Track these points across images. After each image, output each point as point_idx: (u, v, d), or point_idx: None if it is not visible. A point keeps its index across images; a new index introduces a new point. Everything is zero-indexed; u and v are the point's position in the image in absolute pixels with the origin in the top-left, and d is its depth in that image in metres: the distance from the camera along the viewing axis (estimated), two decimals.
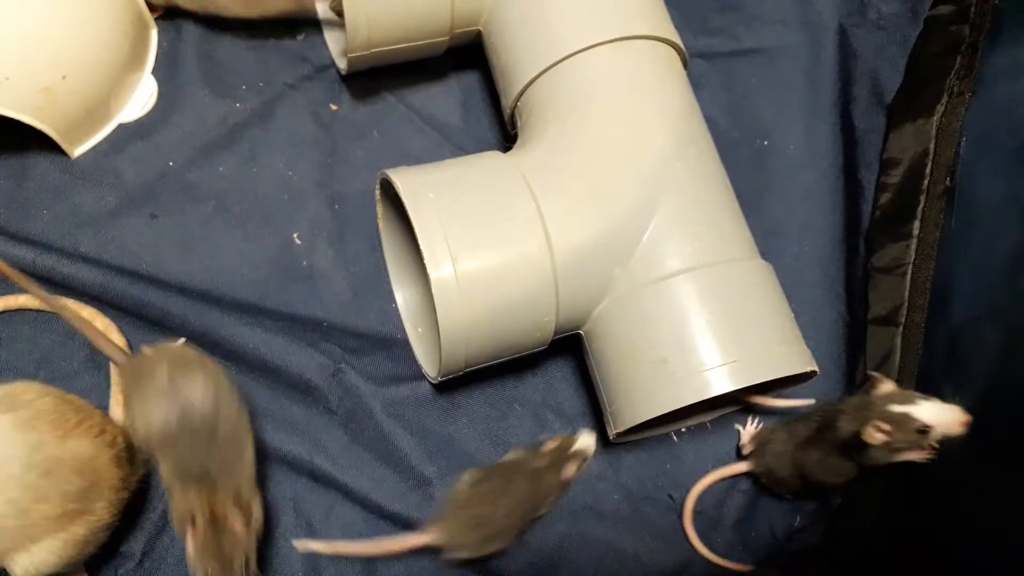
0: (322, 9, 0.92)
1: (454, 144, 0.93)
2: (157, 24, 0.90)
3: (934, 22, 0.94)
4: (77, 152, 0.84)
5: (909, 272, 0.86)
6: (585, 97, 0.76)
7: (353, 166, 0.90)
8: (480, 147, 0.92)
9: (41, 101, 0.76)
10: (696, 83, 0.91)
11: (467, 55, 0.92)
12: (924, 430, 0.64)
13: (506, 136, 0.90)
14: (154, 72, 0.89)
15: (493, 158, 0.77)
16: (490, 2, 0.84)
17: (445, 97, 0.95)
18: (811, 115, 0.94)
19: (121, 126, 0.86)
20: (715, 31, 0.98)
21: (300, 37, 0.93)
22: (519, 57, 0.81)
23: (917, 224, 0.87)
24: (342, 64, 0.87)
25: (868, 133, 0.93)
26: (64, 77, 0.77)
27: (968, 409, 0.66)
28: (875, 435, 0.64)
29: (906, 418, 0.64)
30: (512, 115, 0.84)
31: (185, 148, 0.86)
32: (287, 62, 0.92)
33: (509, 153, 0.78)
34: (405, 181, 0.71)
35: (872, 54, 0.95)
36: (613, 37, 0.77)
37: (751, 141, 0.94)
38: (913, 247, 0.86)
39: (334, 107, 0.91)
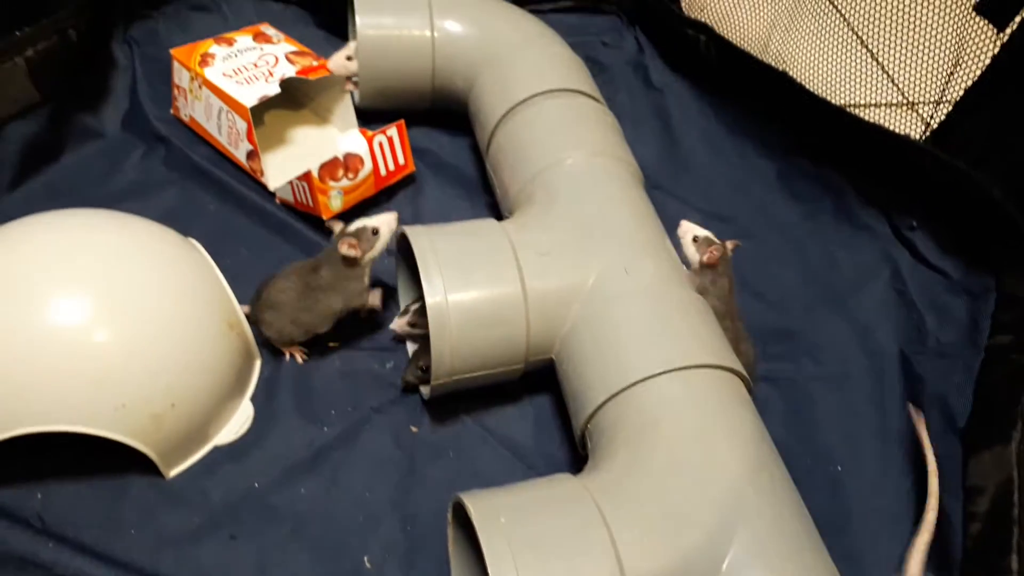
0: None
1: (526, 464, 0.95)
2: (261, 354, 0.99)
3: (995, 351, 0.97)
4: (172, 473, 0.88)
5: None
6: (653, 422, 0.79)
7: (428, 487, 0.92)
8: (551, 466, 0.94)
9: (149, 426, 0.82)
10: (762, 407, 0.93)
11: (540, 377, 0.97)
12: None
13: (576, 457, 0.92)
14: (252, 398, 0.96)
15: (564, 482, 0.78)
16: (563, 333, 0.91)
17: (518, 418, 0.99)
18: (883, 440, 0.94)
19: (216, 448, 0.91)
20: (776, 357, 1.02)
21: (389, 365, 1.01)
22: (589, 383, 0.86)
23: (1015, 559, 0.81)
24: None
25: (946, 459, 0.91)
26: (173, 405, 0.84)
27: None
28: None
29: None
30: (583, 436, 0.87)
31: (271, 470, 0.90)
32: (376, 387, 0.99)
33: (580, 475, 0.79)
34: (478, 505, 0.72)
35: (938, 380, 0.97)
36: (677, 366, 0.82)
37: (824, 467, 0.93)
38: None
39: (414, 429, 0.96)
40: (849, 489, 0.92)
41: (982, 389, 0.95)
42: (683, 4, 1.47)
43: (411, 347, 1.02)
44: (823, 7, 1.35)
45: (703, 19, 1.38)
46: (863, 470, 0.93)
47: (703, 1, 1.47)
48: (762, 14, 1.37)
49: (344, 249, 0.92)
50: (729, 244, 0.98)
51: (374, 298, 0.99)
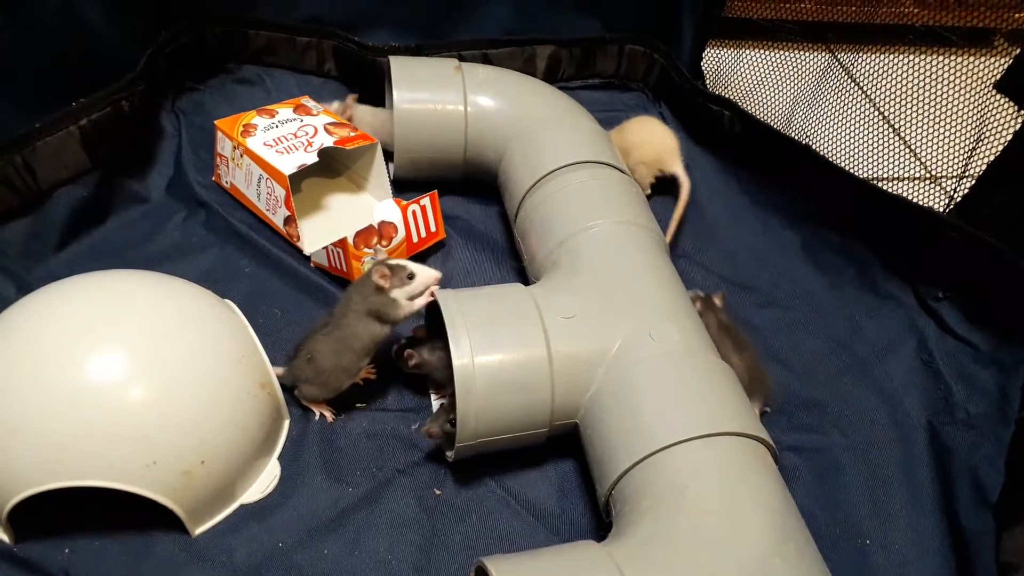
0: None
1: (549, 529, 0.94)
2: (290, 413, 1.01)
3: None
4: (198, 531, 0.89)
5: None
6: (678, 490, 0.78)
7: (450, 550, 0.91)
8: (575, 532, 0.93)
9: (179, 484, 0.84)
10: (789, 477, 0.93)
11: (564, 442, 0.97)
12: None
13: (600, 523, 0.91)
14: (280, 457, 0.97)
15: (588, 548, 0.78)
16: (587, 398, 0.91)
17: (542, 483, 0.98)
18: (913, 512, 0.92)
19: (242, 506, 0.92)
20: (803, 427, 1.02)
21: (415, 427, 1.02)
22: (614, 448, 0.86)
23: None
24: (449, 455, 0.94)
25: (978, 534, 0.89)
26: (203, 462, 0.85)
27: None
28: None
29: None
30: (607, 503, 0.86)
31: (295, 530, 0.90)
32: (401, 448, 0.99)
33: (604, 542, 0.79)
34: (500, 569, 0.72)
35: (967, 452, 0.96)
36: (702, 433, 0.82)
37: (852, 538, 0.92)
38: None
39: (438, 492, 0.96)
40: (876, 562, 0.90)
41: (1014, 462, 0.93)
42: (707, 81, 1.52)
43: (436, 405, 1.03)
44: (845, 84, 1.39)
45: (727, 96, 1.42)
46: (891, 543, 0.91)
47: (727, 79, 1.52)
48: (785, 91, 1.41)
49: (376, 278, 0.95)
50: (717, 299, 1.02)
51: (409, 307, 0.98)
